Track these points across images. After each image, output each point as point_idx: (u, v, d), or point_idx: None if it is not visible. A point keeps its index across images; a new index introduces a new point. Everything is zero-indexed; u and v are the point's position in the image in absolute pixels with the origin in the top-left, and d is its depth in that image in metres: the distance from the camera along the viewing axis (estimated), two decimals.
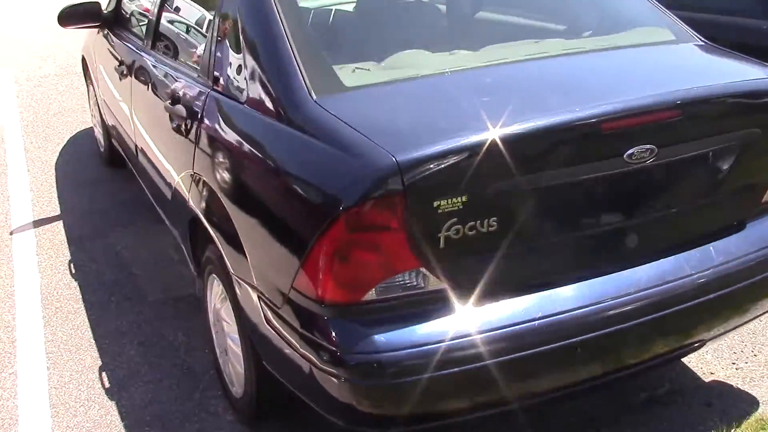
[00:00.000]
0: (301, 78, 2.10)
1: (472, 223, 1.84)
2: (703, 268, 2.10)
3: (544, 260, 2.00)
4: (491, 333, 1.87)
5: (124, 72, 3.49)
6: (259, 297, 2.13)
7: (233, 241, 2.24)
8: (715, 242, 2.17)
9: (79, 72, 6.15)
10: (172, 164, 2.89)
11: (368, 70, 2.25)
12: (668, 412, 2.60)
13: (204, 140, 2.46)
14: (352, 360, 1.84)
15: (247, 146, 2.21)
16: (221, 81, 2.46)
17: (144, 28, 3.52)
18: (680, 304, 2.06)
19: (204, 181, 2.44)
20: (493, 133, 1.81)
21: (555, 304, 1.94)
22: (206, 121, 2.47)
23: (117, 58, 3.70)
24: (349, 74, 2.18)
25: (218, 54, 2.52)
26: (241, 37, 2.37)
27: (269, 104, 2.16)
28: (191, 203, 2.62)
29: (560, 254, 2.01)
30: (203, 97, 2.53)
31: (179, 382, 2.90)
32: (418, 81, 2.13)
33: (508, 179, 1.85)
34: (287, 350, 2.03)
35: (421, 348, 1.83)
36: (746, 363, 2.86)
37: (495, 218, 1.86)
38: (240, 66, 2.35)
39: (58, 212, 4.42)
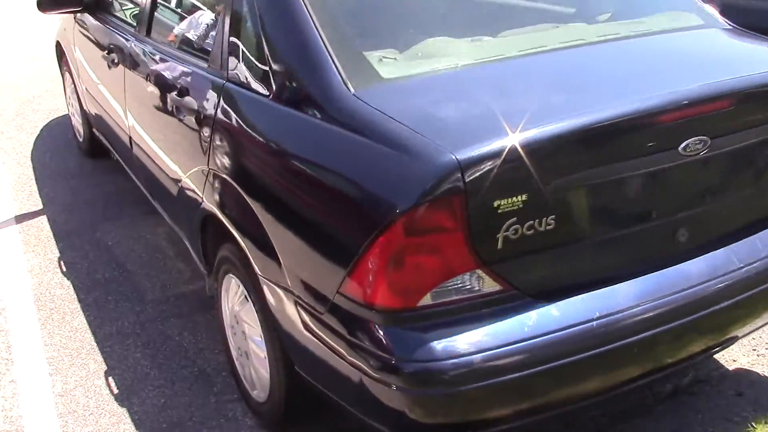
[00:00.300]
0: (335, 69, 1.98)
1: (531, 222, 1.77)
2: (752, 261, 2.06)
3: (599, 258, 1.93)
4: (549, 336, 1.80)
5: (115, 61, 3.32)
6: (296, 302, 2.03)
7: (262, 243, 2.13)
8: (759, 233, 2.13)
9: (48, 57, 5.92)
10: (179, 159, 2.74)
11: (394, 59, 2.14)
12: (698, 402, 2.57)
13: (222, 136, 2.33)
14: (408, 368, 1.75)
15: (277, 143, 2.09)
16: (238, 72, 2.32)
17: (135, 14, 3.35)
18: (730, 299, 2.01)
19: (223, 178, 2.32)
20: (554, 128, 1.73)
21: (612, 303, 1.88)
22: (223, 115, 2.33)
23: (104, 46, 3.52)
24: (380, 64, 2.07)
25: (232, 42, 2.38)
26: (259, 23, 2.24)
27: (301, 98, 2.04)
28: (206, 201, 2.49)
29: (614, 251, 1.94)
30: (217, 90, 2.39)
31: (192, 385, 2.79)
32: (458, 72, 2.03)
33: (567, 175, 1.78)
34: (330, 357, 1.94)
35: (478, 354, 1.75)
36: (767, 349, 2.85)
37: (553, 216, 1.79)
38: (260, 56, 2.22)
39: (40, 206, 4.23)
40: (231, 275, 2.51)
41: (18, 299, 3.37)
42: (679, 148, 1.88)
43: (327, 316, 1.90)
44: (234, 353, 2.67)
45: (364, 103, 1.88)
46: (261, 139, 2.14)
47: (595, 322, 1.84)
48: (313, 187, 1.94)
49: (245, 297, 2.43)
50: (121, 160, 3.84)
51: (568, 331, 1.82)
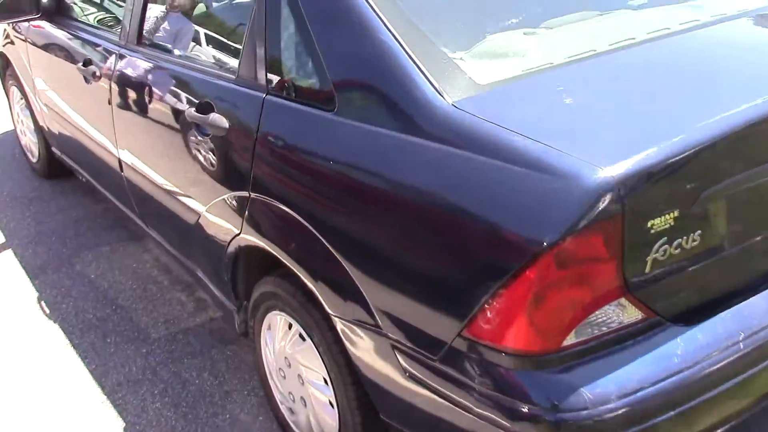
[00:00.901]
0: (423, 76, 1.72)
1: (680, 240, 1.56)
2: None
3: (730, 271, 1.74)
4: (700, 365, 1.60)
5: (96, 73, 2.94)
6: (392, 346, 1.77)
7: (335, 278, 1.86)
8: None
9: None
10: (200, 186, 2.40)
11: (462, 59, 1.89)
12: None
13: (270, 159, 2.03)
14: (554, 418, 1.52)
15: (355, 167, 1.79)
16: (283, 84, 2.03)
17: (112, 19, 2.99)
18: None
19: (276, 207, 2.01)
20: (707, 132, 1.53)
21: (752, 319, 1.70)
22: (269, 135, 2.03)
23: (77, 58, 3.13)
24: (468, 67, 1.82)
25: (271, 47, 2.07)
26: (306, 21, 1.95)
27: (381, 113, 1.75)
28: (244, 232, 2.19)
29: (744, 262, 1.76)
30: (255, 106, 2.09)
31: None
32: (561, 73, 1.79)
33: (715, 185, 1.59)
34: (441, 407, 1.69)
35: (630, 397, 1.53)
36: None
37: (699, 232, 1.59)
38: (313, 62, 1.93)
39: (2, 239, 3.79)
40: (278, 312, 2.22)
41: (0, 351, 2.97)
42: None
43: (444, 362, 1.65)
44: (278, 397, 2.39)
45: (472, 115, 1.63)
46: (331, 162, 1.84)
47: (741, 343, 1.66)
48: (416, 218, 1.66)
49: (300, 336, 2.15)
50: (97, 184, 3.46)
51: (717, 356, 1.63)
